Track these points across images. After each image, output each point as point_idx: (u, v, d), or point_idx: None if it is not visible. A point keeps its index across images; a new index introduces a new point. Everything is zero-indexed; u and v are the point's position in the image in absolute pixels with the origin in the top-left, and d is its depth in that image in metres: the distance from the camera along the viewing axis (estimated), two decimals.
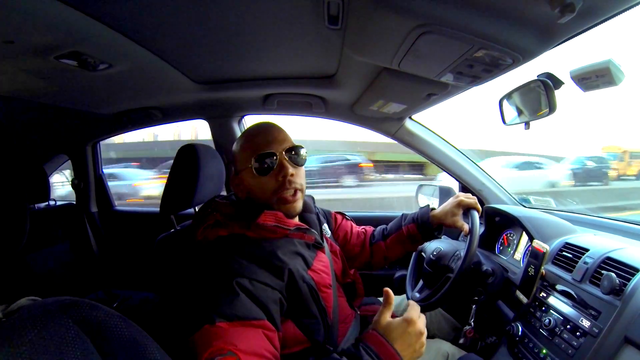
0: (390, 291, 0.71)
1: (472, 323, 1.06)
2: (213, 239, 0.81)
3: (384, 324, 0.70)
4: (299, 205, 0.87)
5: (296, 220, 0.89)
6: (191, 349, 0.63)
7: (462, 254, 1.00)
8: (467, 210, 1.05)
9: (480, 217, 1.04)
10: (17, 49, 0.92)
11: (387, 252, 1.12)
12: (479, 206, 1.06)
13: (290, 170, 0.84)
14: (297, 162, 0.87)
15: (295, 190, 0.86)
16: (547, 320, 0.86)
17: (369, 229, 1.20)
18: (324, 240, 0.98)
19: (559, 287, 0.90)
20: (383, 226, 1.17)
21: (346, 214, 1.22)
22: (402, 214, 1.15)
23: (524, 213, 1.23)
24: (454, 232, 1.11)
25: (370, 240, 1.16)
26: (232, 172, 0.92)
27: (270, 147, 0.84)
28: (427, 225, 1.07)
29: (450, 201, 1.07)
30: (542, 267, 0.93)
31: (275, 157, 0.84)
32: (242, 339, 0.63)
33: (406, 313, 0.72)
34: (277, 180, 0.84)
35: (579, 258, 0.91)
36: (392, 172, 10.22)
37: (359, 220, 1.28)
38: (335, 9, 0.77)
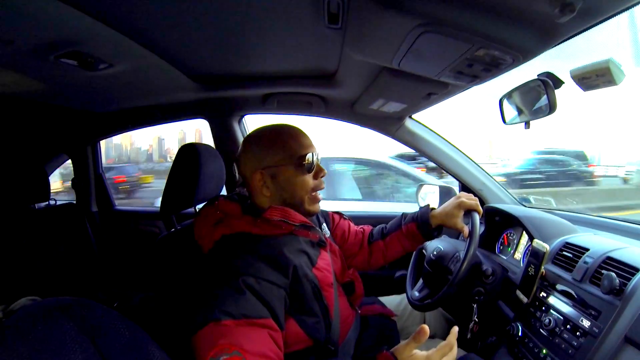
0: (427, 330, 0.70)
1: (476, 319, 1.05)
2: (217, 238, 0.81)
3: (406, 356, 0.70)
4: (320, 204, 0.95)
5: (301, 216, 0.89)
6: (195, 347, 0.63)
7: (462, 255, 1.00)
8: (468, 211, 1.04)
9: (480, 217, 1.03)
10: (17, 49, 0.92)
11: (386, 251, 1.12)
12: (480, 208, 1.04)
13: (325, 171, 0.92)
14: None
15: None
16: (547, 320, 0.86)
17: (367, 228, 1.20)
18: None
19: (559, 286, 0.90)
20: (382, 225, 1.17)
21: (344, 213, 1.22)
22: (402, 214, 1.15)
23: (524, 212, 1.23)
24: (454, 232, 1.11)
25: (368, 239, 1.15)
26: (245, 169, 0.90)
27: (313, 149, 0.90)
28: (427, 225, 1.07)
29: (451, 202, 1.06)
30: (542, 267, 0.93)
31: (318, 158, 0.90)
32: (248, 339, 0.63)
33: (432, 352, 0.72)
34: (316, 179, 0.91)
35: (579, 258, 0.90)
36: None
37: (358, 220, 1.28)
38: (335, 7, 0.76)
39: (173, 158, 1.08)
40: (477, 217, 1.02)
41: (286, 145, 0.88)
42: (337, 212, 1.20)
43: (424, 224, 1.06)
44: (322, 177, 0.92)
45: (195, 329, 0.64)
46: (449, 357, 0.72)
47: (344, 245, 1.13)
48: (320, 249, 0.91)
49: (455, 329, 0.77)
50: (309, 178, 0.89)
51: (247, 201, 0.90)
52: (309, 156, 0.87)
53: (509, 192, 1.56)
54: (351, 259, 1.14)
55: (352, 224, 1.19)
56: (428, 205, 1.12)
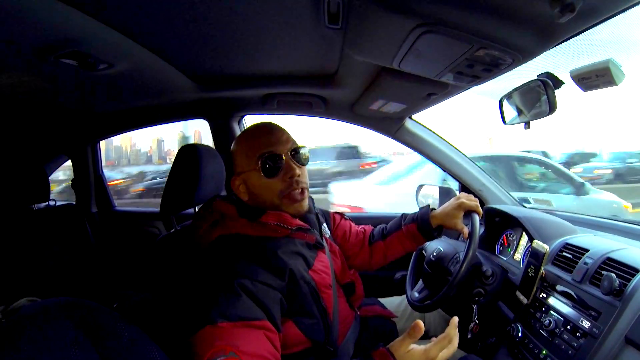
0: (422, 326, 0.67)
1: (476, 320, 1.05)
2: (214, 238, 0.81)
3: (403, 351, 0.68)
4: (305, 203, 0.89)
5: (297, 220, 0.89)
6: (192, 349, 0.63)
7: (461, 256, 1.00)
8: (467, 212, 1.04)
9: (480, 218, 1.03)
10: (17, 49, 0.92)
11: (387, 251, 1.12)
12: (480, 209, 1.04)
13: (297, 170, 0.85)
14: (302, 161, 0.88)
15: (302, 189, 0.87)
16: (547, 321, 0.86)
17: (368, 228, 1.20)
18: (324, 240, 0.98)
19: (559, 287, 0.90)
20: (382, 225, 1.16)
21: (345, 214, 1.22)
22: (402, 214, 1.15)
23: (524, 213, 1.23)
24: (453, 232, 1.11)
25: (369, 239, 1.15)
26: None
27: (276, 148, 0.85)
28: (427, 225, 1.06)
29: (451, 202, 1.05)
30: (542, 268, 0.93)
31: (281, 158, 0.84)
32: (244, 340, 0.63)
33: (431, 346, 0.69)
34: (285, 180, 0.85)
35: (579, 258, 0.90)
36: None
37: (359, 220, 1.28)
38: (335, 7, 0.76)
39: (173, 159, 1.08)
40: (477, 218, 1.02)
41: (250, 149, 0.86)
42: (339, 213, 1.20)
43: (424, 225, 1.06)
44: (290, 177, 0.84)
45: (191, 332, 0.64)
46: (448, 350, 0.69)
47: (345, 246, 1.13)
48: (317, 250, 0.91)
49: (455, 319, 0.74)
50: (274, 181, 0.84)
51: (243, 202, 0.90)
52: (268, 158, 0.83)
53: (509, 192, 1.56)
54: (352, 259, 1.14)
55: (353, 225, 1.19)
56: (428, 205, 1.12)
